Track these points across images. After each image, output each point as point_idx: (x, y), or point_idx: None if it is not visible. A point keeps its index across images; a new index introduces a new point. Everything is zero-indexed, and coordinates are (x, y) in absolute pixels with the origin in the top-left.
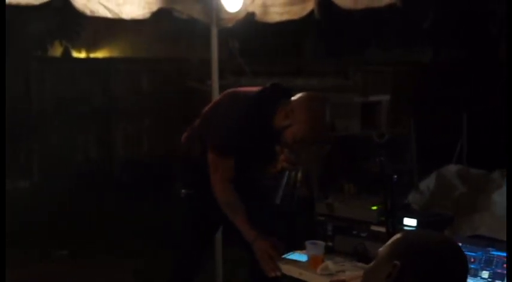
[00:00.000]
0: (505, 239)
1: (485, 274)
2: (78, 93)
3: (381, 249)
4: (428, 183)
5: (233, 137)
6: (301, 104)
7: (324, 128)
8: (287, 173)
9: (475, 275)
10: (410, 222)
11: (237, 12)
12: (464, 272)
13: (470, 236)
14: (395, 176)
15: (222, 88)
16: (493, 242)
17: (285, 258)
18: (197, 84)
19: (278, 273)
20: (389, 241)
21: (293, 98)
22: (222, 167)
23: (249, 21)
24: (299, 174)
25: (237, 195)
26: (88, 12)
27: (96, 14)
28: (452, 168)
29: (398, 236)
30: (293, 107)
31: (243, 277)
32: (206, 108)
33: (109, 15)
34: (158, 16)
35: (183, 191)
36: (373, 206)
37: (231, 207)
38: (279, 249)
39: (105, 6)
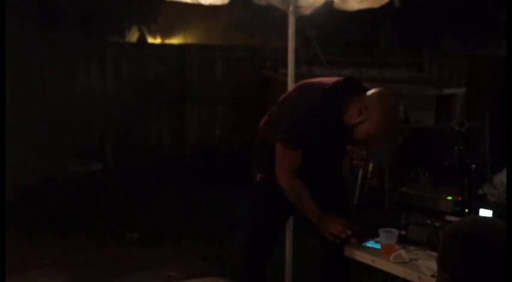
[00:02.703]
0: None
1: None
2: (153, 78)
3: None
4: (502, 177)
5: (301, 130)
6: (375, 101)
7: (397, 125)
8: (360, 171)
9: None
10: (486, 213)
11: (315, 0)
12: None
13: None
14: (474, 166)
15: (295, 77)
16: None
17: (358, 246)
18: (271, 73)
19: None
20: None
21: (367, 94)
22: (288, 157)
23: (325, 10)
24: (370, 165)
25: (301, 183)
26: None
27: (175, 0)
28: None
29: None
30: (367, 104)
31: (313, 267)
32: (282, 97)
33: (188, 0)
34: (235, 3)
35: (258, 175)
36: (449, 196)
37: (297, 195)
38: (346, 228)
39: None
